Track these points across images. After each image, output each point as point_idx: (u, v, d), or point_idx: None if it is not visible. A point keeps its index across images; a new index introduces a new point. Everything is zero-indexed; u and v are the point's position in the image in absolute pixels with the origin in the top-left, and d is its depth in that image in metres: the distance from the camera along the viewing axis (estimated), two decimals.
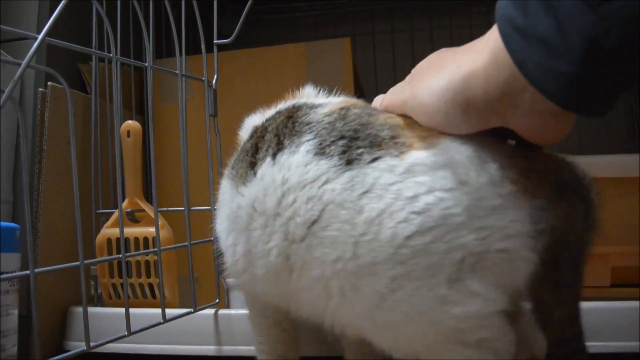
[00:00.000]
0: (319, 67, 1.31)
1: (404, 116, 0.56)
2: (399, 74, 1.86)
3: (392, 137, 0.53)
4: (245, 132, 0.73)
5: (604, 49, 0.40)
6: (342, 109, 0.58)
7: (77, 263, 0.66)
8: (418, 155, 0.52)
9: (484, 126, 0.50)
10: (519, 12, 0.44)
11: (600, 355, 0.87)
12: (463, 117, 0.50)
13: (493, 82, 0.47)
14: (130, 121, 1.01)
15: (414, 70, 0.57)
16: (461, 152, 0.51)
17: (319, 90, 0.72)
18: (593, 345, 0.87)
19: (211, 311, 0.90)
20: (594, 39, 0.40)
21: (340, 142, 0.54)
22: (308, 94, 0.72)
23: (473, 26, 1.84)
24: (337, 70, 1.30)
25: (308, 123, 0.58)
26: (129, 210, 1.02)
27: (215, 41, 0.95)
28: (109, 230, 1.02)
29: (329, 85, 1.31)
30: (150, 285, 1.00)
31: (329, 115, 0.58)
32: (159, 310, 0.79)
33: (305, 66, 1.32)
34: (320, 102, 0.64)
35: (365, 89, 1.65)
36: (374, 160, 0.52)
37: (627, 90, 0.78)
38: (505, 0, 0.46)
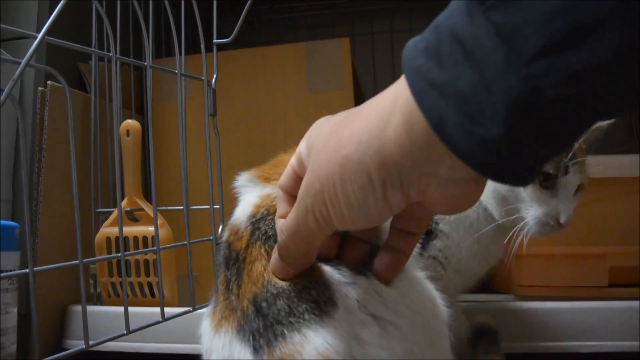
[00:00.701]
0: (318, 67, 1.31)
1: None
2: (397, 74, 1.86)
3: None
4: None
5: (536, 110, 0.34)
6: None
7: (76, 262, 0.66)
8: None
9: (401, 206, 0.43)
10: (433, 63, 0.37)
11: (599, 355, 0.88)
12: (381, 196, 0.42)
13: (407, 149, 0.39)
14: (129, 120, 1.01)
15: (307, 179, 0.46)
16: None
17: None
18: (593, 345, 0.88)
19: None
20: (524, 98, 0.34)
21: None
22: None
23: None
24: (336, 70, 1.30)
25: None
26: (128, 209, 1.02)
27: (214, 41, 0.96)
28: (108, 229, 1.02)
29: (327, 85, 1.32)
30: (150, 284, 1.00)
31: None
32: (158, 309, 0.79)
33: (304, 66, 1.32)
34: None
35: (364, 89, 1.66)
36: None
37: (559, 154, 0.75)
38: (413, 46, 0.39)
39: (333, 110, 1.37)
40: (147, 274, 1.00)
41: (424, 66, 0.37)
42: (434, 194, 0.41)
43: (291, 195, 0.52)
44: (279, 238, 0.50)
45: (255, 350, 0.52)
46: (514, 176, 0.38)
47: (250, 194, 0.60)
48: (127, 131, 1.00)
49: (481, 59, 0.35)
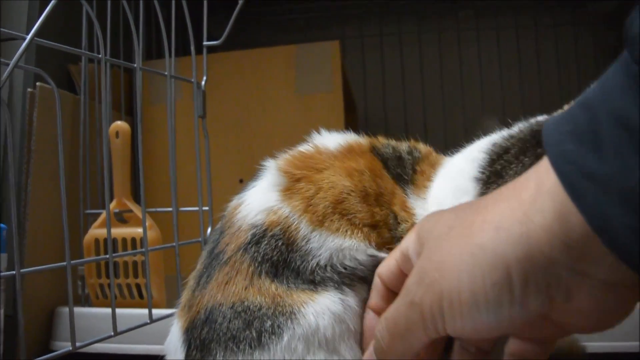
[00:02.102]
0: (308, 69, 1.32)
1: None
2: (387, 76, 1.88)
3: None
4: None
5: None
6: None
7: (64, 263, 0.66)
8: None
9: (539, 313, 0.35)
10: (587, 150, 0.31)
11: (600, 355, 0.88)
12: (520, 297, 0.34)
13: (559, 240, 0.32)
14: (119, 122, 1.01)
15: (420, 265, 0.40)
16: None
17: None
18: (593, 345, 0.89)
19: None
20: None
21: None
22: None
23: (461, 30, 1.86)
24: (326, 72, 1.31)
25: None
26: (117, 210, 1.02)
27: (204, 43, 0.96)
28: (96, 231, 1.02)
29: (317, 87, 1.32)
30: (138, 286, 1.00)
31: None
32: (146, 311, 0.79)
33: (294, 68, 1.33)
34: None
35: (354, 92, 1.66)
36: None
37: None
38: (555, 128, 0.33)
39: (323, 113, 1.37)
40: (136, 276, 1.00)
41: (575, 153, 0.31)
42: (583, 301, 0.34)
43: (389, 289, 0.47)
44: (377, 332, 0.45)
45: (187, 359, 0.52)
46: None
47: (273, 191, 0.55)
48: (117, 132, 1.00)
49: None
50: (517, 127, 0.56)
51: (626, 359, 0.90)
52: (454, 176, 0.57)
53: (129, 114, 1.31)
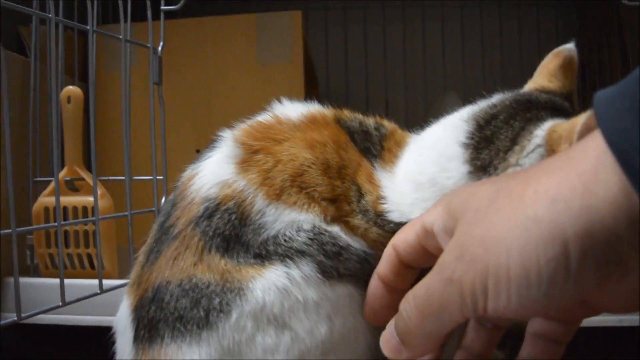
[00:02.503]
0: (269, 39, 1.30)
1: None
2: (350, 50, 1.87)
3: None
4: None
5: None
6: None
7: (9, 231, 0.63)
8: None
9: (591, 290, 0.33)
10: None
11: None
12: (575, 275, 0.32)
13: (625, 215, 0.30)
14: (71, 87, 0.97)
15: (459, 240, 0.37)
16: None
17: None
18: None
19: None
20: None
21: None
22: None
23: (425, 6, 1.85)
24: (286, 43, 1.29)
25: None
26: (68, 178, 0.99)
27: (162, 7, 0.93)
28: (46, 199, 0.98)
29: (277, 57, 1.30)
30: (89, 256, 0.98)
31: None
32: (97, 281, 0.77)
33: (254, 38, 1.30)
34: None
35: (316, 65, 1.65)
36: None
37: None
38: (610, 102, 0.32)
39: (283, 84, 1.36)
40: (87, 246, 0.97)
41: (633, 131, 0.29)
42: (634, 281, 0.32)
43: (402, 263, 0.45)
44: (402, 311, 0.41)
45: (135, 339, 0.51)
46: None
47: (228, 164, 0.53)
48: (68, 97, 0.96)
49: None
50: (496, 99, 0.56)
51: (625, 332, 0.93)
52: (433, 145, 0.56)
53: (83, 80, 1.27)
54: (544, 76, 0.60)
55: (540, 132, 0.49)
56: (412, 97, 1.86)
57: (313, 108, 0.59)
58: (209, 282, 0.49)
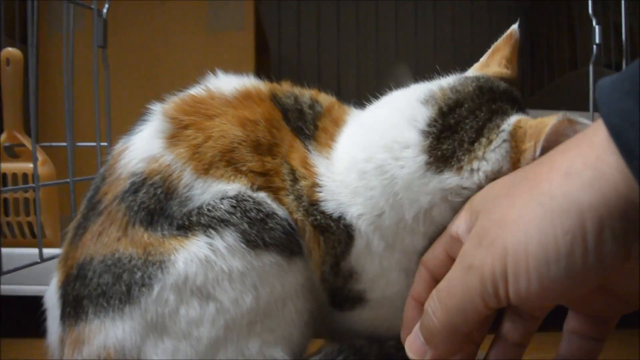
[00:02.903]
0: (219, 5, 1.27)
1: None
2: (303, 19, 1.85)
3: None
4: None
5: None
6: None
7: None
8: None
9: (616, 267, 0.32)
10: None
11: None
12: (594, 247, 0.31)
13: (637, 185, 0.30)
14: (10, 48, 0.94)
15: (478, 227, 0.37)
16: None
17: None
18: None
19: None
20: None
21: None
22: None
23: None
24: (237, 10, 1.27)
25: None
26: (8, 144, 0.96)
27: None
28: None
29: (228, 24, 1.27)
30: (30, 224, 0.95)
31: None
32: (37, 250, 0.75)
33: (205, 4, 1.27)
34: None
35: (268, 33, 1.62)
36: None
37: None
38: (612, 85, 0.32)
39: (233, 51, 1.33)
40: (27, 214, 0.94)
41: (634, 113, 0.29)
42: None
43: (434, 278, 0.43)
44: (427, 308, 0.39)
45: (62, 317, 0.50)
46: None
47: (157, 138, 0.52)
48: (7, 60, 0.93)
49: None
50: (457, 82, 0.54)
51: None
52: (384, 129, 0.53)
53: (25, 42, 1.22)
54: (500, 62, 0.59)
55: (507, 126, 0.48)
56: (364, 67, 1.86)
57: (248, 82, 0.58)
58: (131, 256, 0.49)
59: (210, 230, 0.49)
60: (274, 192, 0.53)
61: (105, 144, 0.86)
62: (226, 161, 0.52)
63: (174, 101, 0.55)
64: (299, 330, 0.53)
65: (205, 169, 0.51)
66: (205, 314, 0.48)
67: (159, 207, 0.50)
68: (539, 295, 0.33)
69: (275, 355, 0.51)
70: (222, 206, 0.50)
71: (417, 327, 0.41)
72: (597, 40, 0.93)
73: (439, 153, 0.49)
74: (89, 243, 0.50)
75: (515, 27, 0.60)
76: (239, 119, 0.54)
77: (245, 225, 0.50)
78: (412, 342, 0.41)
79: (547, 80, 1.78)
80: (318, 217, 0.53)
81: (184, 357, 0.48)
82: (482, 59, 0.61)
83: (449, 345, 0.38)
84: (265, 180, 0.53)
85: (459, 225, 0.41)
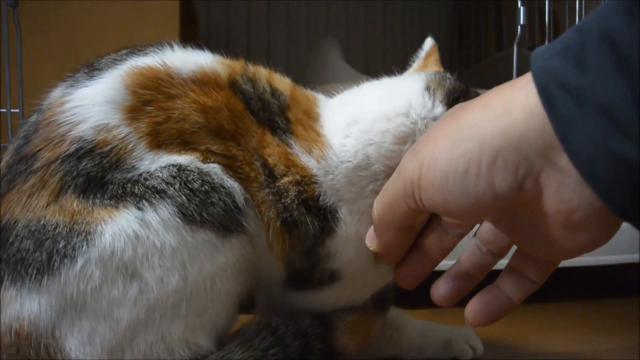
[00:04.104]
0: None
1: None
2: (233, 1, 1.81)
3: None
4: None
5: None
6: None
7: None
8: None
9: (508, 197, 0.35)
10: (572, 65, 0.31)
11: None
12: (486, 173, 0.34)
13: (535, 125, 0.33)
14: None
15: (415, 144, 0.42)
16: None
17: None
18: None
19: None
20: None
21: None
22: None
23: None
24: None
25: None
26: None
27: None
28: None
29: (153, 4, 1.23)
30: None
31: None
32: None
33: None
34: None
35: (197, 3, 1.58)
36: None
37: None
38: (546, 49, 0.34)
39: (157, 19, 1.28)
40: None
41: (559, 68, 0.32)
42: (552, 200, 0.34)
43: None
44: (374, 203, 0.46)
45: None
46: None
47: (112, 108, 0.50)
48: None
49: (638, 67, 0.29)
50: (438, 73, 0.60)
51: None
52: (389, 117, 0.55)
53: None
54: (436, 63, 0.65)
55: None
56: (294, 40, 1.84)
57: (204, 61, 0.55)
58: (57, 224, 0.46)
59: (144, 201, 0.47)
60: (241, 179, 0.52)
61: (16, 110, 0.82)
62: (182, 140, 0.51)
63: (132, 71, 0.52)
64: (226, 312, 0.52)
65: (159, 145, 0.50)
66: (127, 294, 0.46)
67: (100, 175, 0.48)
68: (442, 205, 0.37)
69: (199, 341, 0.50)
70: (160, 175, 0.48)
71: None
72: (521, 21, 0.96)
73: None
74: (15, 203, 0.47)
75: (432, 40, 0.68)
76: (200, 105, 0.52)
77: (183, 198, 0.48)
78: (370, 233, 0.47)
79: (475, 60, 1.82)
80: (295, 214, 0.53)
81: (100, 339, 0.46)
82: (419, 62, 0.67)
83: (386, 236, 0.45)
84: (229, 162, 0.52)
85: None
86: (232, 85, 0.55)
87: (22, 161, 0.49)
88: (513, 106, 0.34)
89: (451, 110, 0.41)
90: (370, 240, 0.47)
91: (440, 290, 0.46)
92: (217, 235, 0.49)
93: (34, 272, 0.45)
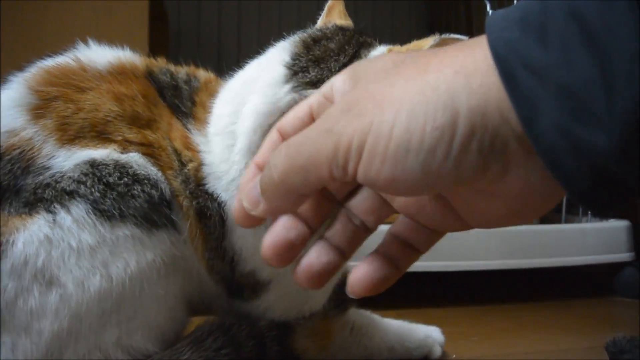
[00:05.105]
0: None
1: None
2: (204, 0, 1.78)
3: None
4: None
5: None
6: None
7: None
8: None
9: (469, 176, 0.31)
10: (533, 40, 0.29)
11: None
12: (457, 152, 0.30)
13: (513, 125, 0.30)
14: None
15: (351, 95, 0.34)
16: None
17: None
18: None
19: None
20: None
21: None
22: None
23: None
24: None
25: None
26: None
27: None
28: None
29: (121, 3, 1.21)
30: None
31: None
32: None
33: None
34: None
35: (169, 13, 1.57)
36: None
37: None
38: (502, 15, 0.31)
39: (126, 18, 1.26)
40: None
41: (519, 42, 0.29)
42: (514, 183, 0.31)
43: (285, 140, 0.37)
44: (271, 159, 0.35)
45: None
46: (603, 201, 0.30)
47: (17, 111, 0.49)
48: None
49: (607, 46, 0.27)
50: (316, 27, 0.58)
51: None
52: (249, 80, 0.55)
53: None
54: (339, 16, 0.64)
55: (377, 53, 0.51)
56: (265, 39, 1.82)
57: (123, 56, 0.56)
58: None
59: (55, 205, 0.46)
60: (161, 166, 0.50)
61: None
62: (97, 132, 0.49)
63: (37, 72, 0.51)
64: (164, 314, 0.50)
65: (71, 139, 0.48)
66: (47, 303, 0.44)
67: (12, 183, 0.46)
68: (388, 180, 0.31)
69: (138, 345, 0.48)
70: (71, 175, 0.47)
71: (258, 178, 0.37)
72: None
73: (307, 80, 0.51)
74: None
75: None
76: (114, 94, 0.51)
77: (97, 195, 0.46)
78: (249, 192, 0.36)
79: None
80: (200, 201, 0.51)
81: (22, 356, 0.44)
82: (321, 18, 0.66)
83: (282, 202, 0.35)
84: (148, 150, 0.50)
85: (335, 85, 0.36)
86: (149, 74, 0.55)
87: None
88: (493, 79, 0.30)
89: (392, 58, 0.34)
90: (252, 203, 0.36)
91: (315, 264, 0.37)
92: (142, 229, 0.47)
93: None
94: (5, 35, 1.18)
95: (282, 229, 0.36)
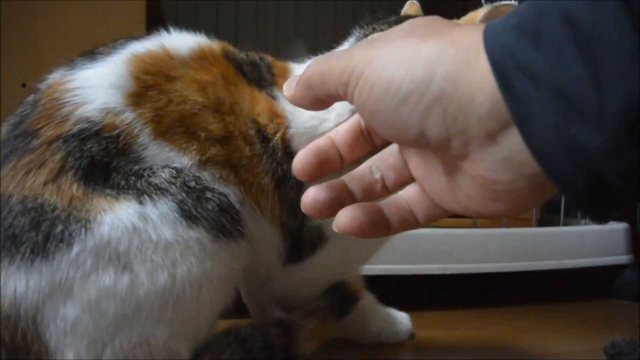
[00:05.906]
0: None
1: None
2: (201, 1, 1.79)
3: None
4: None
5: None
6: None
7: None
8: None
9: (432, 141, 0.34)
10: (528, 43, 0.30)
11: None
12: (423, 110, 0.33)
13: (488, 98, 0.31)
14: None
15: (376, 35, 0.39)
16: None
17: None
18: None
19: None
20: None
21: None
22: None
23: None
24: None
25: None
26: None
27: None
28: None
29: (119, 4, 1.20)
30: None
31: None
32: None
33: None
34: None
35: (164, 2, 1.56)
36: None
37: None
38: (499, 22, 0.32)
39: (123, 20, 1.26)
40: None
41: (514, 45, 0.30)
42: (477, 164, 0.33)
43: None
44: (311, 62, 0.41)
45: None
46: (598, 205, 0.31)
47: (116, 92, 0.51)
48: None
49: (599, 48, 0.28)
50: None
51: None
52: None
53: None
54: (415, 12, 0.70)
55: None
56: (263, 40, 1.84)
57: (201, 40, 0.58)
58: (55, 206, 0.46)
59: (145, 196, 0.48)
60: (243, 166, 0.54)
61: None
62: (185, 126, 0.51)
63: (135, 57, 0.53)
64: (208, 325, 0.52)
65: (164, 132, 0.50)
66: (118, 285, 0.45)
67: (105, 160, 0.48)
68: (369, 111, 0.35)
69: (180, 351, 0.49)
70: (162, 174, 0.49)
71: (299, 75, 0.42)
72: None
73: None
74: (10, 178, 0.47)
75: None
76: (198, 83, 0.53)
77: (183, 195, 0.49)
78: (291, 80, 0.42)
79: None
80: (285, 166, 0.55)
81: (82, 330, 0.45)
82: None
83: (302, 94, 0.40)
84: (224, 149, 0.53)
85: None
86: (226, 54, 0.58)
87: (19, 137, 0.48)
88: (481, 63, 0.31)
89: (426, 19, 0.38)
90: (289, 87, 0.41)
91: (320, 195, 0.40)
92: (209, 235, 0.49)
93: (27, 251, 0.44)
94: (5, 35, 1.18)
95: (317, 146, 0.43)
